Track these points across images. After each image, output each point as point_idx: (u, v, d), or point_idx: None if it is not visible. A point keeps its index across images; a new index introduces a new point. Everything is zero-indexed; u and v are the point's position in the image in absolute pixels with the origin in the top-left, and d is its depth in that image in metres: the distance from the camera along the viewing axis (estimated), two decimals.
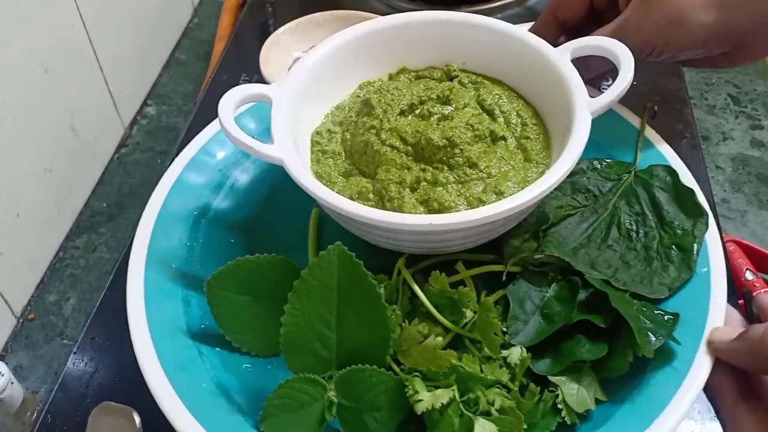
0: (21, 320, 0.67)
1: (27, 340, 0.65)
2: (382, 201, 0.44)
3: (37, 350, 0.64)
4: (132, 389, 0.46)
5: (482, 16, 0.51)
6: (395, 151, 0.45)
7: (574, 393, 0.39)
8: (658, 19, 0.46)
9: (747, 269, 0.66)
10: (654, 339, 0.39)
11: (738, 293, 0.54)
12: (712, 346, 0.40)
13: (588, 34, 0.48)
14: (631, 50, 0.45)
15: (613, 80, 0.44)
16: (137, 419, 0.43)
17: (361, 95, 0.52)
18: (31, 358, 0.64)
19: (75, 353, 0.50)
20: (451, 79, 0.51)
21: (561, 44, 0.47)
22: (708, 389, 0.40)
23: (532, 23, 0.55)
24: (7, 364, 0.59)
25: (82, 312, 0.67)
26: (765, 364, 0.37)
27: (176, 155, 0.52)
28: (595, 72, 0.51)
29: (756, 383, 0.40)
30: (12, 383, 0.54)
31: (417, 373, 0.39)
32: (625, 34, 0.47)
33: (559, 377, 0.40)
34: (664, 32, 0.46)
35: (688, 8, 0.45)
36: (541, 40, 0.48)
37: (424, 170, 0.44)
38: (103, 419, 0.43)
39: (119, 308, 0.43)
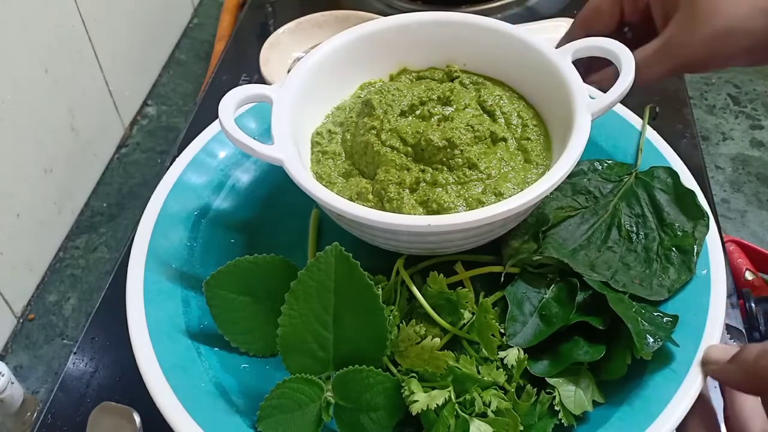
0: (21, 320, 0.67)
1: (27, 340, 0.65)
2: (381, 202, 0.44)
3: (37, 350, 0.64)
4: (132, 389, 0.46)
5: (484, 17, 0.51)
6: (395, 152, 0.45)
7: (572, 395, 0.39)
8: (705, 34, 0.46)
9: (747, 269, 0.66)
10: (652, 341, 0.39)
11: (738, 293, 0.54)
12: (707, 368, 0.39)
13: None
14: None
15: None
16: (137, 419, 0.43)
17: (362, 96, 0.52)
18: (31, 358, 0.64)
19: (75, 353, 0.50)
20: (452, 80, 0.51)
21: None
22: (732, 422, 0.39)
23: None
24: (7, 364, 0.59)
25: (82, 312, 0.67)
26: (759, 385, 0.36)
27: (176, 155, 0.52)
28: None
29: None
30: (12, 383, 0.54)
31: (414, 374, 0.39)
32: (672, 52, 0.47)
33: (556, 379, 0.40)
34: (713, 46, 0.46)
35: (735, 20, 0.45)
36: (543, 41, 0.48)
37: (423, 171, 0.44)
38: (103, 419, 0.43)
39: (119, 308, 0.43)
